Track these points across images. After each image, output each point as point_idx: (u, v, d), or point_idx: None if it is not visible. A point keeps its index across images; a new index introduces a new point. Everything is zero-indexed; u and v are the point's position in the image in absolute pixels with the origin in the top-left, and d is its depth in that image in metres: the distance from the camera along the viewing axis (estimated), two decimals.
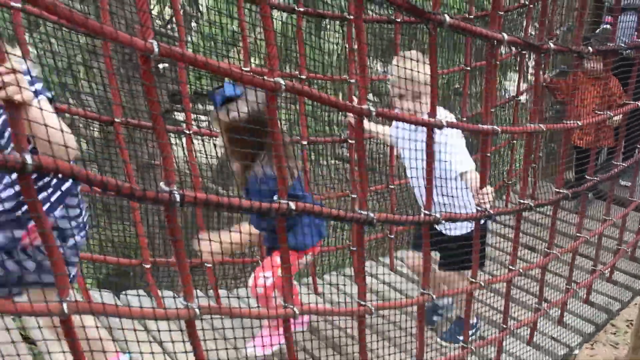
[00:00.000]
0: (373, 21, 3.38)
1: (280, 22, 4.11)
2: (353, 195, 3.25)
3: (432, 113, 2.01)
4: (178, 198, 1.40)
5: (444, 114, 2.64)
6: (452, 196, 2.47)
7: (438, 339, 3.10)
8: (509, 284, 2.79)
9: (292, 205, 1.64)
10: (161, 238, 4.68)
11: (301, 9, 2.81)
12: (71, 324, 1.36)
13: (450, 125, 2.13)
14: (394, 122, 2.90)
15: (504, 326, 2.82)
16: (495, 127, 2.23)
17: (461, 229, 2.85)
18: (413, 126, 2.50)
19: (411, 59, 2.40)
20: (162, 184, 1.42)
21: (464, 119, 3.72)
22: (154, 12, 7.26)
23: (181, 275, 1.52)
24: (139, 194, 1.36)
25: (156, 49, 1.29)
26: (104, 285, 5.14)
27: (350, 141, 3.21)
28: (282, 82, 1.54)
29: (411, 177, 2.74)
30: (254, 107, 2.19)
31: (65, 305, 1.31)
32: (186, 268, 1.52)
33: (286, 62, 4.62)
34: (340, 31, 4.91)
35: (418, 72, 2.29)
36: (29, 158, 1.19)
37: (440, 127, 2.05)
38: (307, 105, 4.23)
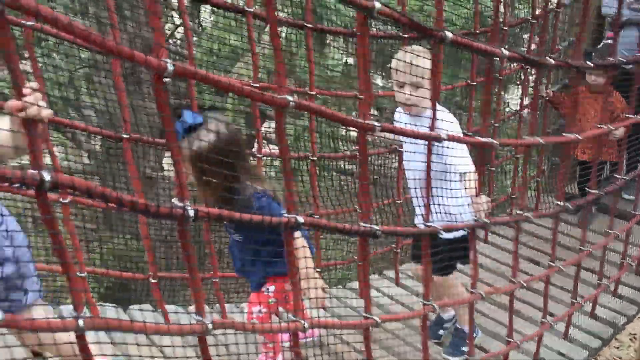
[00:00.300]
0: (381, 37, 3.41)
1: (284, 37, 4.15)
2: (360, 210, 3.27)
3: (433, 126, 2.05)
4: (192, 213, 1.41)
5: (446, 117, 2.64)
6: (451, 197, 2.49)
7: (443, 355, 3.10)
8: (512, 297, 2.80)
9: (301, 218, 1.65)
10: (161, 252, 4.71)
11: (310, 25, 2.85)
12: (86, 339, 1.38)
13: (451, 138, 2.17)
14: (396, 114, 2.91)
15: (510, 340, 2.83)
16: (493, 140, 2.28)
17: (456, 231, 2.86)
18: (415, 119, 2.55)
19: (412, 51, 2.45)
20: (175, 200, 1.43)
21: (470, 133, 3.75)
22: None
23: (193, 290, 1.53)
24: (154, 210, 1.38)
25: (170, 68, 1.31)
26: (105, 299, 5.15)
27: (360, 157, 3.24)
28: (290, 99, 1.57)
29: (408, 171, 2.74)
30: (221, 131, 2.16)
31: (81, 321, 1.33)
32: (199, 283, 1.53)
33: (287, 76, 4.68)
34: (345, 46, 4.96)
35: (417, 65, 2.32)
36: (46, 175, 1.21)
37: (440, 140, 2.09)
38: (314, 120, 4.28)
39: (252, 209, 2.15)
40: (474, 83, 3.72)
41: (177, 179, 1.46)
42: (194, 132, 2.16)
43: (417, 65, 2.30)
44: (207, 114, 2.23)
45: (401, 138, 2.80)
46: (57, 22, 1.15)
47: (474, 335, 3.05)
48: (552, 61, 2.48)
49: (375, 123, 1.80)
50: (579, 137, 2.67)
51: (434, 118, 2.06)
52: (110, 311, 2.92)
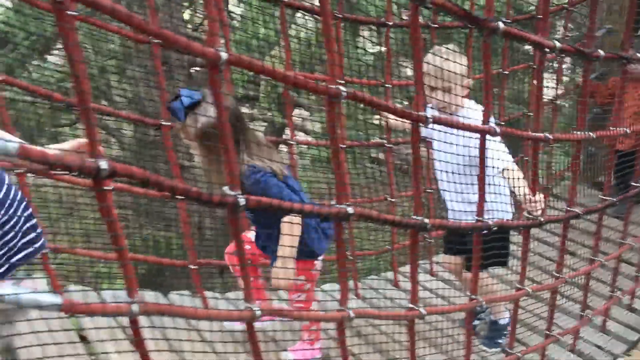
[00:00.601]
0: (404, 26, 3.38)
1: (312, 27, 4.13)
2: (391, 199, 3.26)
3: (485, 119, 2.02)
4: (242, 202, 1.42)
5: (479, 108, 2.61)
6: (493, 193, 2.46)
7: (479, 345, 3.09)
8: (555, 292, 2.77)
9: (351, 209, 1.65)
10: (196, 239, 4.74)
11: (341, 15, 2.84)
12: (138, 324, 1.40)
13: (503, 133, 2.14)
14: (428, 110, 2.87)
15: (548, 333, 2.80)
16: (547, 134, 2.23)
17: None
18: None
19: (440, 55, 2.44)
20: (226, 189, 1.44)
21: (502, 123, 3.71)
22: (185, 17, 7.37)
23: (243, 278, 1.54)
24: (206, 198, 1.39)
25: (225, 57, 1.31)
26: (141, 284, 5.22)
27: (387, 145, 3.22)
28: (343, 89, 1.56)
29: (439, 165, 2.72)
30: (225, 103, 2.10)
31: (135, 306, 1.35)
32: (248, 271, 1.54)
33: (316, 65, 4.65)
34: (376, 36, 4.92)
35: (442, 68, 2.29)
36: (104, 164, 1.22)
37: (494, 134, 2.06)
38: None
39: (245, 185, 2.12)
40: (507, 72, 3.69)
41: (227, 168, 1.47)
42: (196, 109, 2.12)
43: (441, 72, 2.29)
44: (205, 90, 2.17)
45: (433, 135, 2.78)
46: (114, 13, 1.16)
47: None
48: (603, 53, 2.43)
49: (428, 115, 1.78)
50: (627, 131, 2.61)
51: (487, 109, 2.02)
52: (149, 296, 2.96)
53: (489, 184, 2.43)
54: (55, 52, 6.12)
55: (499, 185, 2.59)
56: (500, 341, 3.03)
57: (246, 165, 2.20)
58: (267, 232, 2.40)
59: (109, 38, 5.39)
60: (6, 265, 1.93)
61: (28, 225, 2.01)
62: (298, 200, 2.05)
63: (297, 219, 2.16)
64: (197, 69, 6.24)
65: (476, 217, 2.08)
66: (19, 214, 1.98)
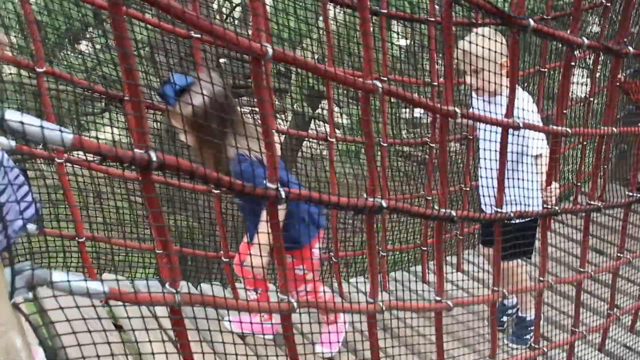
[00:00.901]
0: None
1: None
2: (428, 197, 3.27)
3: (509, 113, 2.04)
4: (284, 195, 1.45)
5: (522, 102, 2.59)
6: (525, 181, 2.47)
7: (506, 342, 3.09)
8: (580, 287, 2.76)
9: (384, 202, 1.67)
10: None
11: (384, 11, 2.84)
12: (181, 314, 1.44)
13: (526, 126, 2.15)
14: (473, 100, 2.89)
15: (575, 329, 2.80)
16: (566, 128, 2.25)
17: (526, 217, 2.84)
18: (489, 104, 2.53)
19: (477, 36, 2.40)
20: (267, 182, 1.47)
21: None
22: (214, 6, 7.40)
23: (280, 270, 1.57)
24: (249, 191, 1.42)
25: (270, 53, 1.34)
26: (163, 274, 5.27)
27: (431, 144, 3.23)
28: (379, 85, 1.58)
29: (482, 153, 2.72)
30: (212, 89, 2.05)
31: (178, 297, 1.39)
32: (285, 264, 1.57)
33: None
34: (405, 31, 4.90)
35: (481, 54, 2.27)
36: (154, 156, 1.25)
37: (517, 128, 2.08)
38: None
39: (232, 172, 2.09)
40: (545, 70, 3.66)
41: (269, 161, 1.50)
42: (187, 94, 2.04)
43: (480, 55, 2.28)
44: (195, 74, 2.14)
45: (476, 123, 2.80)
46: (169, 10, 1.19)
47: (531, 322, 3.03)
48: (632, 50, 2.41)
49: (457, 109, 1.80)
50: None
51: (511, 105, 2.04)
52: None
53: (524, 172, 2.46)
54: (84, 42, 6.19)
55: (533, 174, 2.61)
56: (527, 337, 3.03)
57: (235, 151, 2.09)
58: (253, 218, 2.36)
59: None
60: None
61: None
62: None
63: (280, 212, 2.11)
64: (224, 60, 6.28)
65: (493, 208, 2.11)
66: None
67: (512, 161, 2.36)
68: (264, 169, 2.18)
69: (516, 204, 2.40)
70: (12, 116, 1.14)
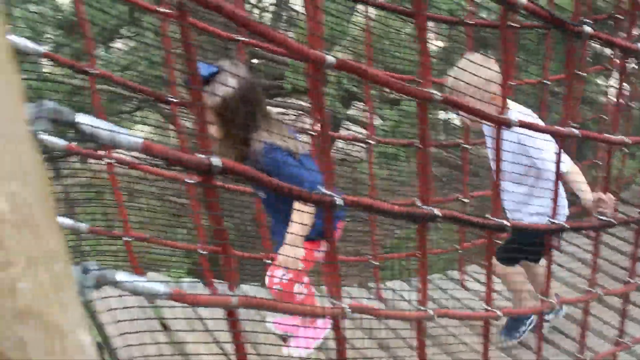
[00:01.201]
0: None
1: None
2: (464, 200, 3.24)
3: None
4: (339, 202, 1.46)
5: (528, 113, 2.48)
6: (540, 197, 2.45)
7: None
8: (627, 297, 2.71)
9: (437, 211, 1.67)
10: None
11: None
12: (237, 315, 1.45)
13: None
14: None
15: (619, 339, 2.75)
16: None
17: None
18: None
19: (461, 67, 2.23)
20: (322, 188, 1.48)
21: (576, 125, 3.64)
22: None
23: (332, 275, 1.58)
24: (305, 196, 1.43)
25: (330, 61, 1.35)
26: (194, 273, 5.32)
27: (465, 146, 3.20)
28: (436, 92, 1.58)
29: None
30: (239, 79, 2.02)
31: (234, 299, 1.41)
32: (337, 268, 1.58)
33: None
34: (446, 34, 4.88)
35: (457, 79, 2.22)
36: (216, 161, 1.27)
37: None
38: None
39: (260, 163, 2.05)
40: (585, 75, 3.60)
41: (322, 166, 1.51)
42: (213, 82, 2.01)
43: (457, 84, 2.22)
44: (221, 64, 2.10)
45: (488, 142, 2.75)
46: (236, 18, 1.21)
47: (532, 321, 2.95)
48: None
49: (512, 118, 1.79)
50: None
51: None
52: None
53: (545, 185, 2.42)
54: (119, 41, 6.28)
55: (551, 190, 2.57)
56: (517, 334, 2.96)
57: (263, 142, 2.11)
58: (276, 214, 2.32)
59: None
60: None
61: None
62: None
63: (309, 208, 2.01)
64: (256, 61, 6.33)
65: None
66: None
67: (531, 177, 2.39)
68: (293, 158, 2.16)
69: (539, 214, 2.40)
70: (84, 119, 1.17)
